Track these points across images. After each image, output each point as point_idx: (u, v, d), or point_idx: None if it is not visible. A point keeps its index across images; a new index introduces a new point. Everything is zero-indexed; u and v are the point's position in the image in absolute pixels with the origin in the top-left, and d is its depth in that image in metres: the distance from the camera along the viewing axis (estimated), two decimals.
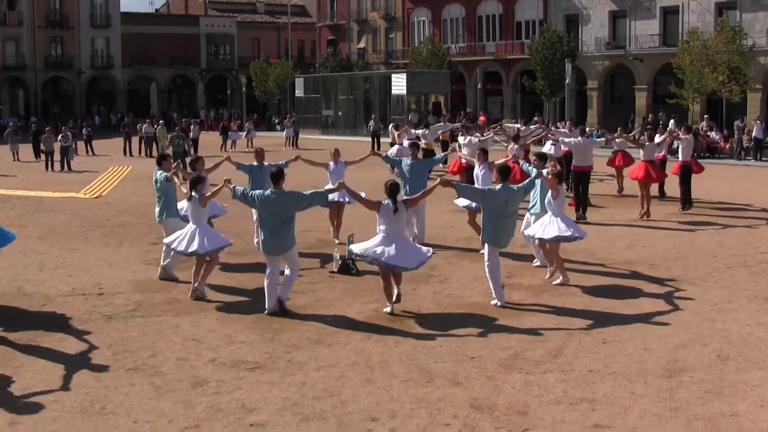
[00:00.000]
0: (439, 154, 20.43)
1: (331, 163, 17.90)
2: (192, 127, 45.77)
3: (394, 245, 11.97)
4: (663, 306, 12.67)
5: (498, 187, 12.86)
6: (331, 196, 14.39)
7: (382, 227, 12.18)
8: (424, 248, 12.79)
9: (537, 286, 13.88)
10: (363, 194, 13.71)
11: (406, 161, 17.44)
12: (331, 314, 12.28)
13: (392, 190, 12.23)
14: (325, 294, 13.47)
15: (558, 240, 13.98)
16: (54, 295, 13.60)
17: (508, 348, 10.60)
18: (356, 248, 12.48)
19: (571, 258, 15.60)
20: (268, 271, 12.39)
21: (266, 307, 12.30)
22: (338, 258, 15.07)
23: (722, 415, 8.40)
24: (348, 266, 14.91)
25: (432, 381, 9.43)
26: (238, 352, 10.54)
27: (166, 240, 13.74)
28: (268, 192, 12.27)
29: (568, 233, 13.89)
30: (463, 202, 16.95)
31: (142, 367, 9.98)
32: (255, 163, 17.10)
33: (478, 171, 17.17)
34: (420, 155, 19.26)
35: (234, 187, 12.81)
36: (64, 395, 9.08)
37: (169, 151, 30.20)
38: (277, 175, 12.32)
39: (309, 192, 12.57)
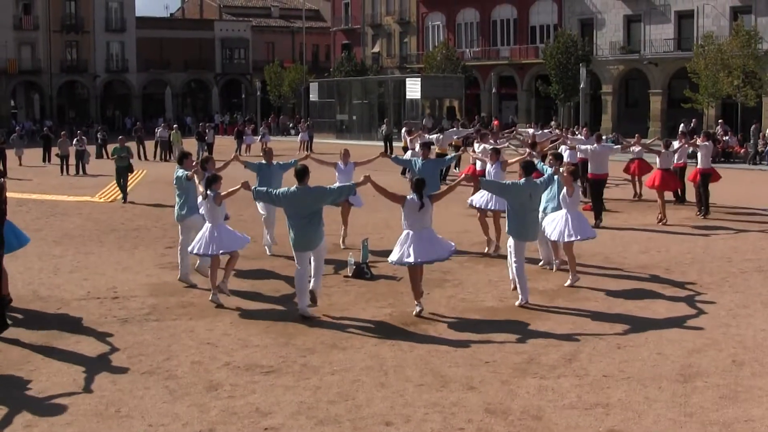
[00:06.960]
0: (451, 154, 20.45)
1: (341, 164, 17.94)
2: (207, 131, 46.05)
3: (417, 243, 12.04)
4: (677, 311, 12.62)
5: (522, 181, 13.11)
6: None
7: (407, 222, 12.24)
8: (449, 241, 12.77)
9: (551, 290, 13.86)
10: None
11: (418, 161, 17.38)
12: (346, 318, 12.29)
13: (418, 185, 12.27)
14: (340, 298, 13.47)
15: (569, 241, 14.16)
16: (69, 298, 13.65)
17: (522, 352, 10.59)
18: (393, 258, 12.40)
19: (585, 262, 15.57)
20: (298, 269, 12.41)
21: (298, 306, 12.35)
22: (353, 263, 15.07)
23: (737, 420, 8.37)
24: (362, 270, 14.91)
25: (446, 385, 9.42)
26: (253, 356, 10.55)
27: (189, 248, 13.67)
28: (293, 188, 12.32)
29: (572, 239, 14.08)
30: (473, 200, 17.02)
31: (156, 371, 10.01)
32: (264, 162, 17.15)
33: (490, 169, 17.24)
34: (431, 156, 19.13)
35: (255, 188, 12.89)
36: (79, 398, 9.11)
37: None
38: (302, 173, 12.37)
39: (335, 186, 12.61)
